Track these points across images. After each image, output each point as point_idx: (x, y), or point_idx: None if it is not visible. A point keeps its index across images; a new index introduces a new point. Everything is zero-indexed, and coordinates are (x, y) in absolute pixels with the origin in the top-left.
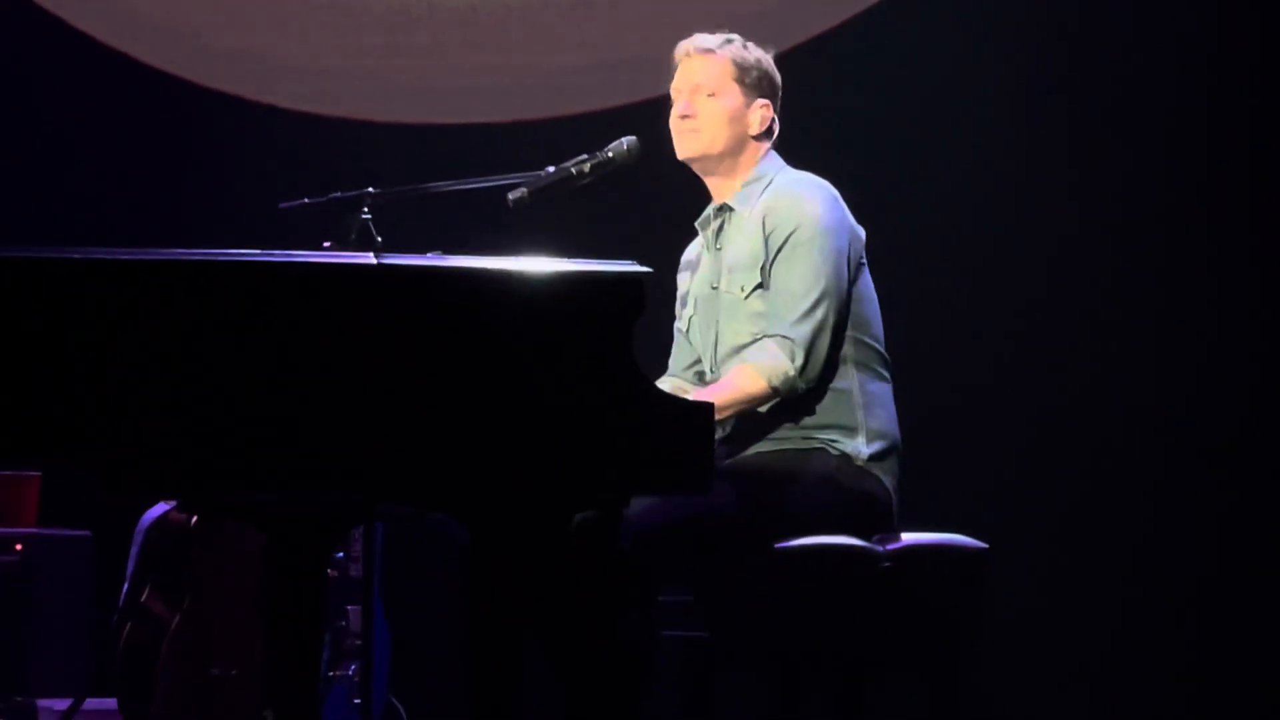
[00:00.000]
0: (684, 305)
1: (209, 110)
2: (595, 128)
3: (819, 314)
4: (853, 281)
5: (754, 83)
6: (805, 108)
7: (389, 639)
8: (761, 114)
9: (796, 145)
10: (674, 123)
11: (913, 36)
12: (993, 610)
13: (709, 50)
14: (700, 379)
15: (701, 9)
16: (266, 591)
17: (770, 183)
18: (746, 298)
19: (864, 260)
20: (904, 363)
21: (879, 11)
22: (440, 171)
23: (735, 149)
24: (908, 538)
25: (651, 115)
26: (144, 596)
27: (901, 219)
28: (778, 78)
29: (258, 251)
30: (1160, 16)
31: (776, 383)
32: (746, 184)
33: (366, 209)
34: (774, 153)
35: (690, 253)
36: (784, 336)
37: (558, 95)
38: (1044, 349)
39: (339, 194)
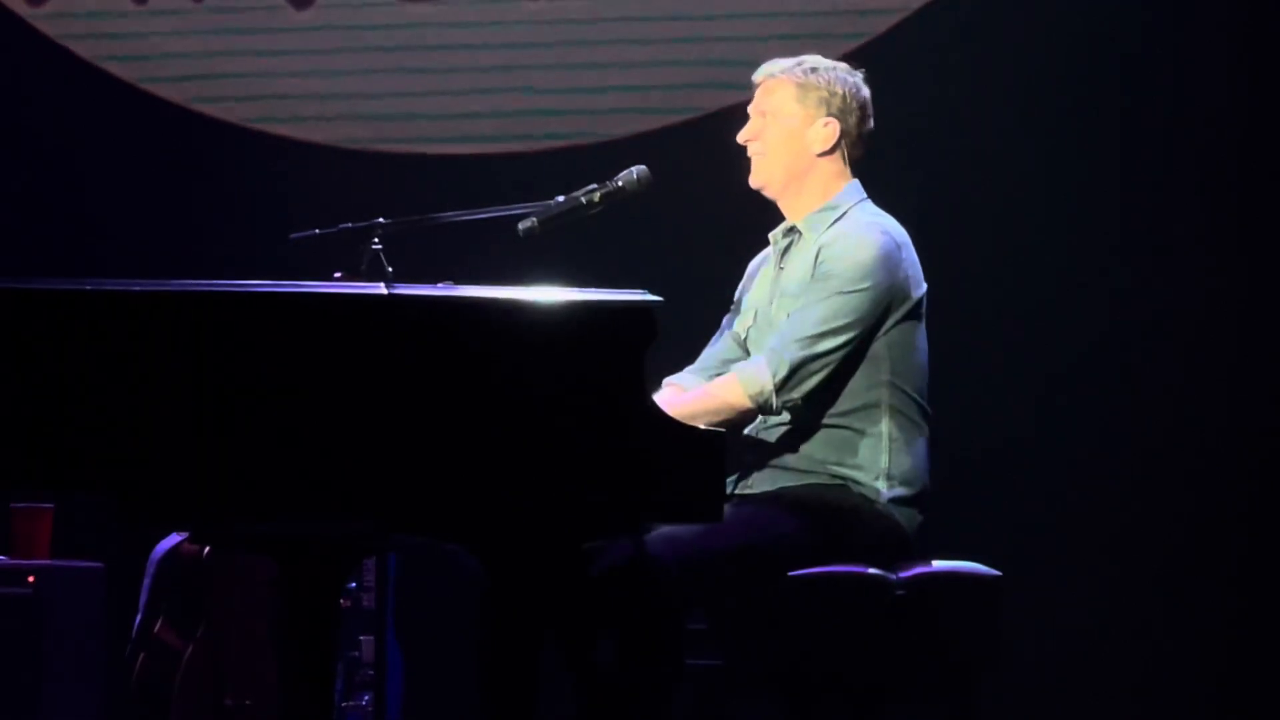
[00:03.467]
0: (738, 311)
1: (221, 141)
2: (605, 157)
3: (821, 346)
4: (899, 334)
5: (818, 101)
6: None
7: (402, 669)
8: (825, 132)
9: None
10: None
11: (928, 61)
12: (1008, 638)
13: (772, 74)
14: None
15: (706, 39)
16: (280, 622)
17: (843, 215)
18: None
19: (919, 314)
20: None
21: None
22: (451, 202)
23: (800, 169)
24: (922, 566)
25: (661, 144)
26: (157, 628)
27: (927, 238)
28: (853, 97)
29: (269, 282)
30: (1196, 29)
31: (751, 393)
32: (819, 210)
33: (377, 239)
34: (856, 184)
35: (756, 261)
36: (776, 352)
37: (568, 125)
38: (1060, 377)
39: (350, 224)
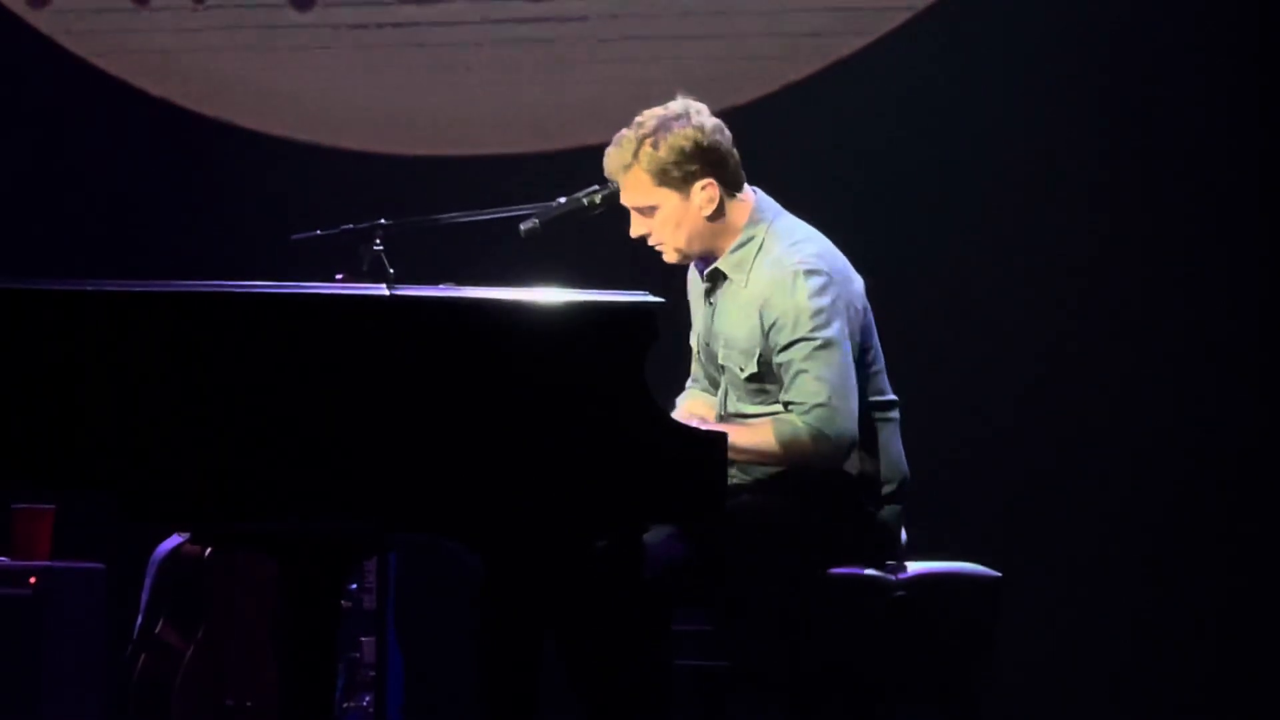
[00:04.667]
0: (695, 336)
1: (222, 142)
2: None
3: (837, 404)
4: (863, 349)
5: (681, 175)
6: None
7: (403, 670)
8: (706, 194)
9: (808, 175)
10: None
11: (920, 67)
12: (1006, 639)
13: (627, 166)
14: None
15: (706, 37)
16: (281, 622)
17: (760, 246)
18: (747, 379)
19: (867, 311)
20: (916, 392)
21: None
22: (452, 203)
23: (705, 235)
24: (921, 567)
25: None
26: (158, 628)
27: (912, 248)
28: (710, 139)
29: (270, 283)
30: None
31: (796, 458)
32: (735, 248)
33: (379, 240)
34: (759, 202)
35: (692, 282)
36: (824, 434)
37: (569, 126)
38: (1058, 377)
39: (352, 226)
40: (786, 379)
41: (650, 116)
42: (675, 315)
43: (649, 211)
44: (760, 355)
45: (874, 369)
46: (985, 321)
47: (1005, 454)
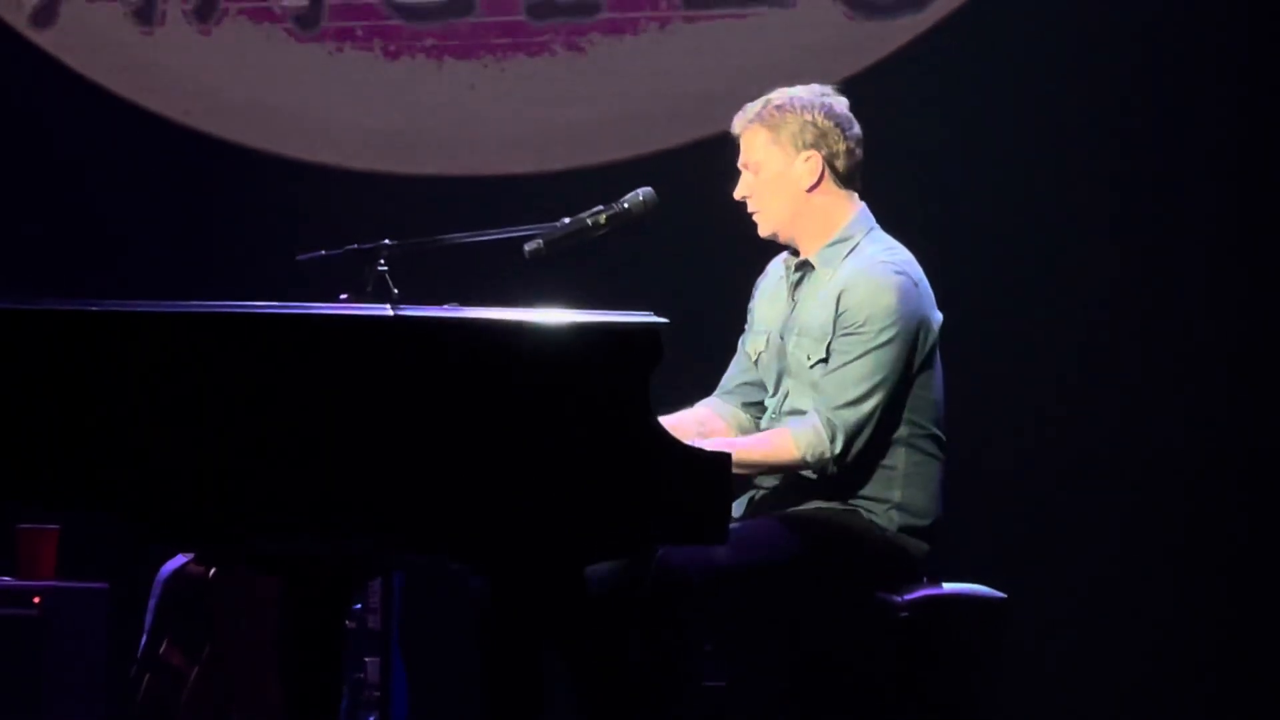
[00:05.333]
0: (753, 330)
1: (227, 163)
2: (611, 179)
3: (868, 405)
4: (919, 371)
5: (791, 140)
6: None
7: (407, 691)
8: (808, 167)
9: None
10: None
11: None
12: (1012, 661)
13: (748, 122)
14: (755, 410)
15: (712, 62)
16: (285, 642)
17: (855, 248)
18: (811, 367)
19: (935, 347)
20: None
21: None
22: (456, 223)
23: (798, 210)
24: (927, 588)
25: (667, 167)
26: (163, 648)
27: (922, 263)
28: (832, 120)
29: (275, 303)
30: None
31: (810, 458)
32: (830, 243)
33: (383, 261)
34: (863, 210)
35: (771, 279)
36: (830, 419)
37: (573, 147)
38: (1066, 398)
39: (356, 246)
40: (830, 362)
41: (788, 89)
42: (679, 336)
43: (755, 168)
44: (829, 343)
45: (935, 396)
46: (993, 343)
47: (1012, 475)
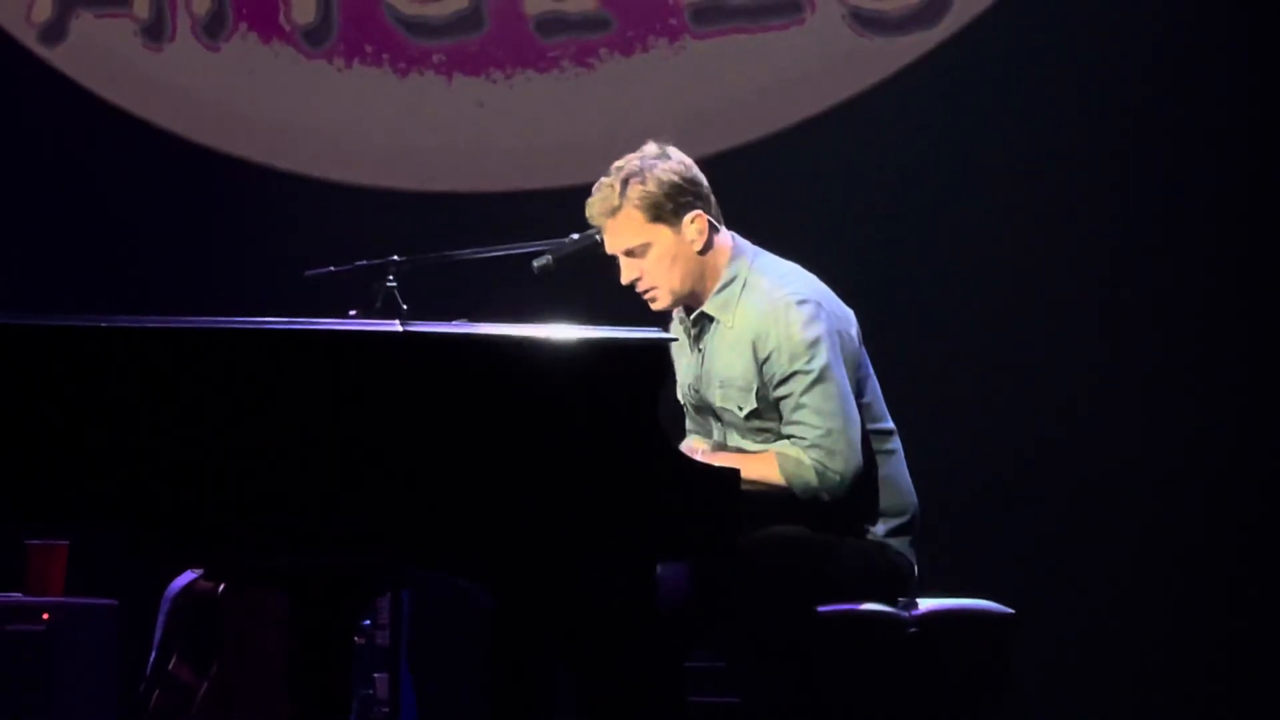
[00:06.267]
0: (680, 388)
1: (235, 179)
2: None
3: (842, 428)
4: (856, 379)
5: (672, 208)
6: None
7: (416, 706)
8: (697, 226)
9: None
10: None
11: (914, 112)
12: (1020, 677)
13: (616, 209)
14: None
15: (721, 79)
16: (293, 658)
17: (744, 285)
18: (746, 418)
19: (860, 346)
20: (929, 430)
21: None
22: (465, 239)
23: (696, 276)
24: (934, 604)
25: None
26: (171, 664)
27: (925, 282)
28: (690, 173)
29: (284, 319)
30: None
31: (800, 491)
32: (720, 289)
33: (392, 277)
34: (737, 242)
35: (675, 329)
36: (817, 460)
37: (582, 163)
38: (1073, 411)
39: (364, 262)
40: (786, 412)
41: (628, 160)
42: None
43: (641, 251)
44: (758, 390)
45: (869, 398)
46: (999, 358)
47: (1020, 489)
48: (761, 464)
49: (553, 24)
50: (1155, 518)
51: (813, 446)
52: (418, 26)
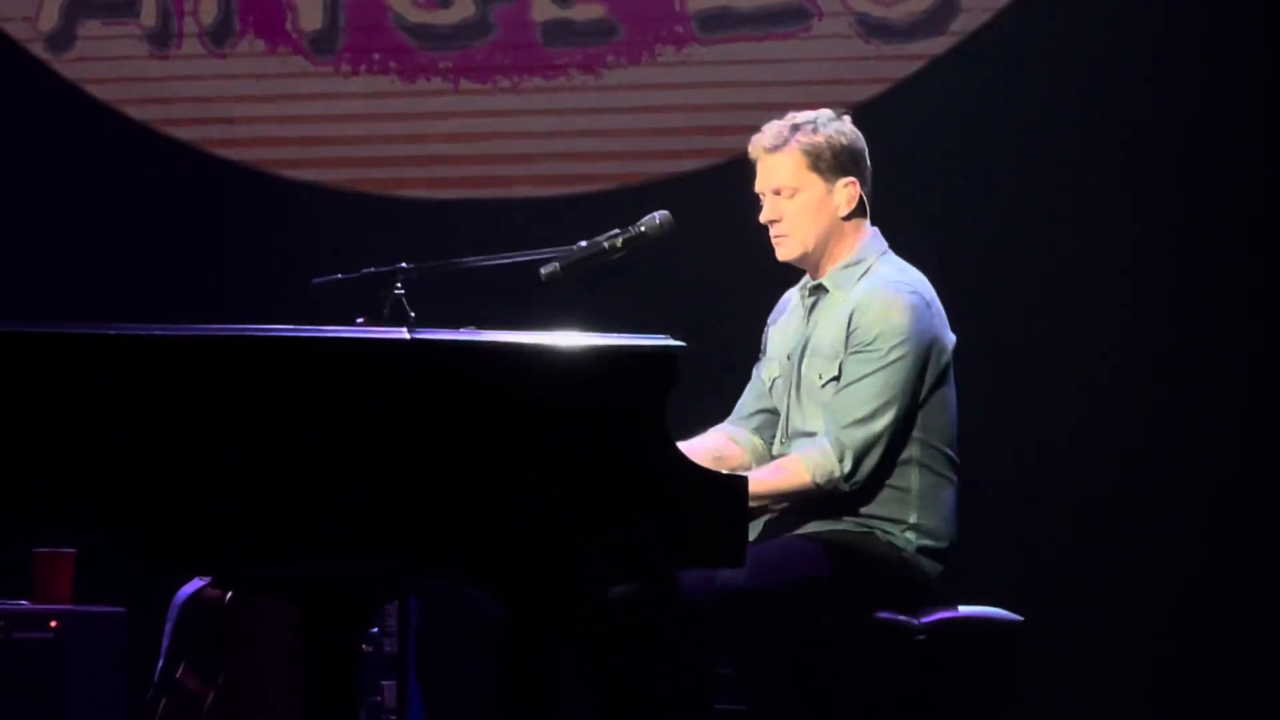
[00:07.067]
0: (767, 356)
1: (242, 186)
2: (627, 202)
3: (878, 425)
4: (931, 390)
5: (830, 165)
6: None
7: (424, 715)
8: (848, 193)
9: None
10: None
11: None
12: (1028, 685)
13: (777, 146)
14: (770, 435)
15: (727, 85)
16: (301, 666)
17: (868, 270)
18: (823, 386)
19: (949, 368)
20: None
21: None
22: (473, 247)
23: (830, 237)
24: (943, 611)
25: (684, 189)
26: (179, 673)
27: (938, 286)
28: (859, 145)
29: (291, 327)
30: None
31: (820, 480)
32: (845, 265)
33: (400, 284)
34: (877, 233)
35: (786, 305)
36: (839, 438)
37: (589, 170)
38: (1082, 419)
39: (372, 269)
40: (841, 381)
41: (804, 114)
42: (696, 359)
43: (789, 194)
44: (840, 360)
45: (947, 416)
46: (1007, 365)
47: (1028, 496)
48: (783, 467)
49: (560, 31)
50: (1164, 526)
51: (846, 429)
52: (425, 34)
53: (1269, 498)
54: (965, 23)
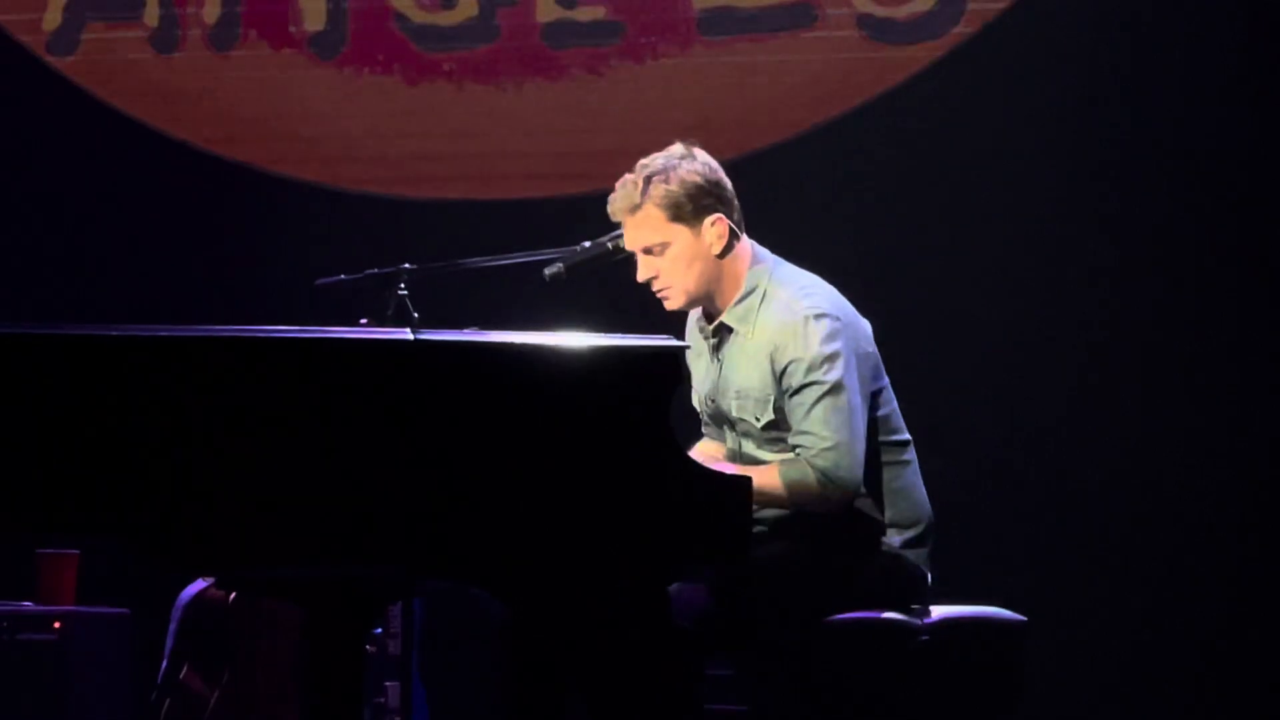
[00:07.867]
0: (693, 385)
1: (246, 188)
2: None
3: (849, 442)
4: (872, 392)
5: (692, 210)
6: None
7: (428, 715)
8: (716, 230)
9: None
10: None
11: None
12: (1032, 685)
13: (637, 206)
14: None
15: (731, 86)
16: (305, 667)
17: (764, 296)
18: (763, 428)
19: (876, 359)
20: (939, 434)
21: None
22: (476, 248)
23: (712, 278)
24: (945, 611)
25: None
26: (183, 674)
27: (931, 289)
28: (713, 176)
29: (295, 328)
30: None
31: (803, 501)
32: (740, 300)
33: (403, 285)
34: (756, 249)
35: (692, 336)
36: (824, 471)
37: (593, 170)
38: (1083, 418)
39: (375, 270)
40: (795, 422)
41: (654, 159)
42: None
43: (659, 250)
44: (774, 402)
45: (886, 410)
46: (1008, 366)
47: (1031, 496)
48: (764, 475)
49: (563, 32)
50: (1168, 525)
51: (818, 456)
52: (428, 35)
53: (1272, 497)
54: (969, 23)
